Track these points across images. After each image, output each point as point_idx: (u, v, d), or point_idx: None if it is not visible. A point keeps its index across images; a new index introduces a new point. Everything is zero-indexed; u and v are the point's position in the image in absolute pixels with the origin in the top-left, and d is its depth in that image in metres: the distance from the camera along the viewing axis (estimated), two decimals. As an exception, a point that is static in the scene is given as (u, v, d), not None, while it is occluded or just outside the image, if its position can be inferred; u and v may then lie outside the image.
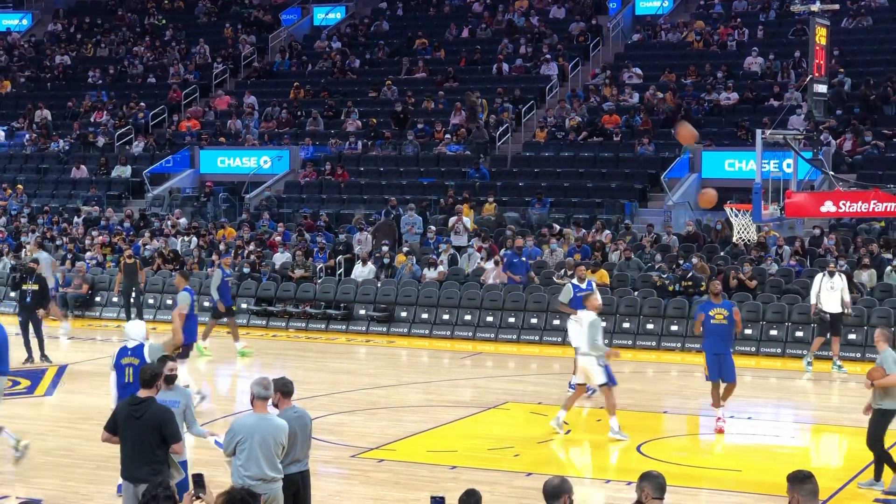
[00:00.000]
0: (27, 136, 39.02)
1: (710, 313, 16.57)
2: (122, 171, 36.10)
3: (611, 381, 16.07)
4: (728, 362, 16.50)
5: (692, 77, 34.92)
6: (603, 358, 16.09)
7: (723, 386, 16.58)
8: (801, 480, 7.27)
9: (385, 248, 28.19)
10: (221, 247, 28.79)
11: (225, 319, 23.27)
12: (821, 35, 17.04)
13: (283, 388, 10.10)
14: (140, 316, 26.62)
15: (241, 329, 26.80)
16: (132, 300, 27.25)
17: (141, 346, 13.14)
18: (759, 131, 16.84)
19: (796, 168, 17.43)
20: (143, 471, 9.62)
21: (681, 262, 25.58)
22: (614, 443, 15.78)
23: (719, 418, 16.54)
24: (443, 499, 7.60)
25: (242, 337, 26.07)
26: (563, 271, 26.09)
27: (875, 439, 13.25)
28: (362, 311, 26.65)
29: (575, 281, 18.80)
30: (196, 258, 29.20)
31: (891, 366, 13.02)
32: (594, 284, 19.19)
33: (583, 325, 16.07)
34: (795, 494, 7.24)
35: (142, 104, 39.35)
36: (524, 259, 26.57)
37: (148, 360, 13.08)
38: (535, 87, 36.43)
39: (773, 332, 23.73)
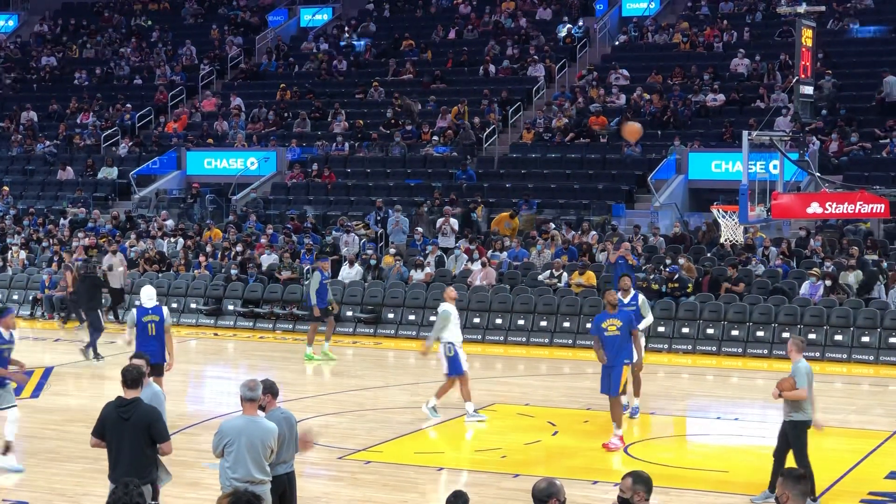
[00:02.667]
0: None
1: (603, 325, 15.51)
2: (109, 173, 36.02)
3: (451, 372, 16.98)
4: (615, 374, 15.33)
5: (679, 78, 34.97)
6: (457, 346, 16.92)
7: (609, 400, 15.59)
8: (795, 479, 7.16)
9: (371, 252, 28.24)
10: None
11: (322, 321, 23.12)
12: (807, 37, 17.10)
13: (272, 390, 10.13)
14: (80, 319, 26.38)
15: (227, 331, 26.81)
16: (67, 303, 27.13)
17: (159, 306, 14.82)
18: (745, 133, 16.90)
19: (783, 169, 17.51)
20: (131, 473, 9.55)
21: (668, 262, 25.59)
22: (603, 447, 15.72)
23: (618, 436, 15.50)
24: None
25: (229, 339, 26.04)
26: (549, 272, 26.12)
27: (802, 456, 12.77)
28: (349, 313, 26.60)
29: (619, 294, 17.45)
30: (182, 260, 29.16)
31: (801, 378, 12.81)
32: (640, 297, 17.82)
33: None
34: (787, 492, 7.11)
35: (128, 106, 39.26)
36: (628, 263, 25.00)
37: (167, 320, 15.75)
38: (521, 88, 36.46)
39: (760, 334, 23.73)
